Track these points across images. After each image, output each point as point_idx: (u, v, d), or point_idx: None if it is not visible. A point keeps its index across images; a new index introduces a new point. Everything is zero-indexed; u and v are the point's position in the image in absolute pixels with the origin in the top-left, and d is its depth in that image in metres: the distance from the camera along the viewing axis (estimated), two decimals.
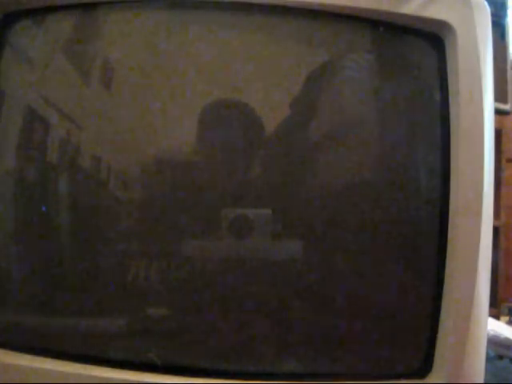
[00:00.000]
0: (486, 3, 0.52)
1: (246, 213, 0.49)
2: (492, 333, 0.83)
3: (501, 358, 0.80)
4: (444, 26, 0.50)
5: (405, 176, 0.52)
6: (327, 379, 0.50)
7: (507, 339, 0.84)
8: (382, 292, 0.51)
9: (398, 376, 0.50)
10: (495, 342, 0.83)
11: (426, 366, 0.50)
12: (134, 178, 0.52)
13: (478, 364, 0.49)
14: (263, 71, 0.52)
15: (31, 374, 0.49)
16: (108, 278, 0.51)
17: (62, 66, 0.53)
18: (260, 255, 0.50)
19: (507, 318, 1.64)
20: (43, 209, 0.52)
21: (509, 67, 0.90)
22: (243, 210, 0.49)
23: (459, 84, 0.50)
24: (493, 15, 0.52)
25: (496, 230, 1.96)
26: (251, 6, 0.51)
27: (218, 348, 0.50)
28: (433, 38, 0.51)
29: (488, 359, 0.53)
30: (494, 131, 0.51)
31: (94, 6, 0.52)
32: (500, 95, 0.87)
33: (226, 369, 0.50)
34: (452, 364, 0.49)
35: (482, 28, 0.51)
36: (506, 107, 0.89)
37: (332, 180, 0.52)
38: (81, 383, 0.48)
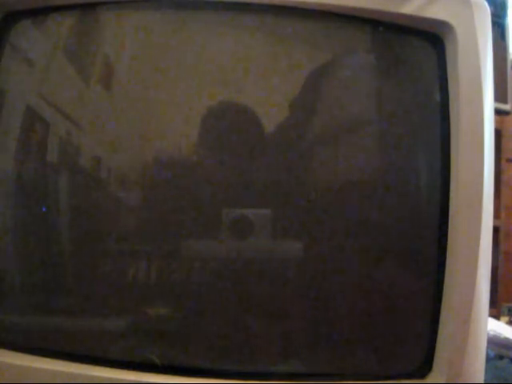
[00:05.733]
0: (485, 3, 0.52)
1: (246, 213, 0.49)
2: (492, 333, 0.83)
3: (501, 358, 0.80)
4: (444, 25, 0.50)
5: (405, 176, 0.52)
6: (327, 379, 0.50)
7: (507, 339, 0.84)
8: (382, 292, 0.51)
9: (398, 376, 0.50)
10: (495, 342, 0.83)
11: (425, 366, 0.50)
12: (134, 178, 0.52)
13: (478, 364, 0.49)
14: (263, 71, 0.52)
15: (31, 374, 0.49)
16: (108, 278, 0.51)
17: (62, 66, 0.53)
18: (260, 255, 0.50)
19: (507, 318, 1.64)
20: (43, 209, 0.52)
21: (509, 67, 0.90)
22: (243, 211, 0.49)
23: (459, 84, 0.50)
24: (493, 15, 0.52)
25: (496, 230, 1.96)
26: (251, 6, 0.51)
27: (218, 348, 0.50)
28: (433, 38, 0.51)
29: (488, 359, 0.53)
30: (494, 131, 0.51)
31: (94, 6, 0.52)
32: (500, 95, 0.87)
33: (226, 369, 0.50)
34: (452, 364, 0.49)
35: (482, 28, 0.51)
36: (506, 107, 0.89)
37: (332, 180, 0.52)
38: (81, 383, 0.48)
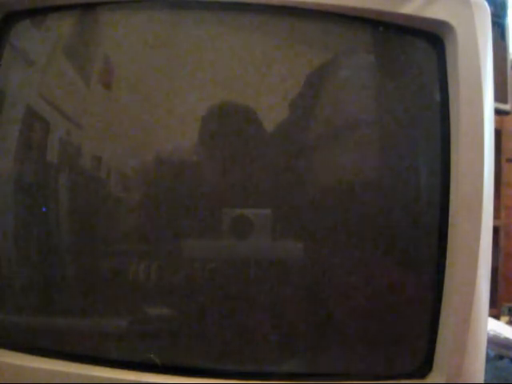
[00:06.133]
0: (485, 3, 0.51)
1: (247, 213, 0.49)
2: (492, 333, 0.83)
3: (501, 357, 0.80)
4: (444, 25, 0.50)
5: (405, 176, 0.52)
6: (327, 379, 0.50)
7: (507, 339, 0.84)
8: (382, 292, 0.51)
9: (398, 376, 0.50)
10: (495, 342, 0.83)
11: (425, 366, 0.50)
12: (134, 178, 0.52)
13: (478, 364, 0.49)
14: (263, 72, 0.52)
15: (31, 374, 0.49)
16: (108, 278, 0.51)
17: (62, 66, 0.53)
18: (260, 255, 0.50)
19: (507, 318, 1.64)
20: (43, 209, 0.52)
21: (509, 67, 0.90)
22: (243, 210, 0.49)
23: (459, 84, 0.50)
24: (493, 15, 0.52)
25: (496, 230, 1.96)
26: (251, 6, 0.51)
27: (218, 348, 0.50)
28: (433, 38, 0.51)
29: (488, 359, 0.53)
30: (494, 131, 0.51)
31: (94, 6, 0.52)
32: (500, 95, 0.87)
33: (226, 369, 0.50)
34: (452, 364, 0.49)
35: (482, 28, 0.51)
36: (506, 107, 0.89)
37: (332, 180, 0.52)
38: (81, 383, 0.48)
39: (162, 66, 0.52)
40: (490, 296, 0.50)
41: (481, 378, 0.50)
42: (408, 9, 0.50)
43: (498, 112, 0.78)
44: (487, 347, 0.50)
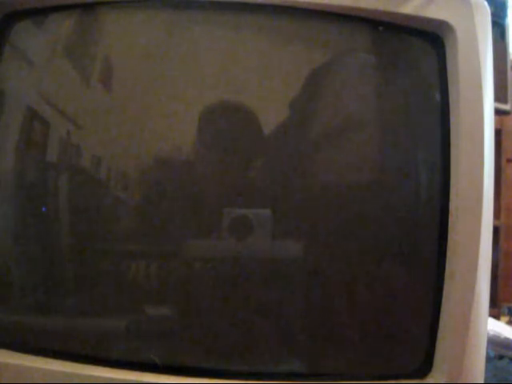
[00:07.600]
0: (485, 3, 0.52)
1: (246, 213, 0.49)
2: (492, 333, 0.83)
3: (501, 357, 0.80)
4: (444, 25, 0.50)
5: (405, 176, 0.52)
6: (327, 379, 0.50)
7: (507, 339, 0.84)
8: (382, 292, 0.51)
9: (398, 376, 0.50)
10: (495, 342, 0.83)
11: (425, 366, 0.50)
12: (134, 178, 0.52)
13: (478, 364, 0.49)
14: (263, 71, 0.52)
15: (31, 374, 0.49)
16: (108, 278, 0.51)
17: (62, 65, 0.53)
18: (260, 255, 0.50)
19: (507, 318, 1.64)
20: (43, 209, 0.52)
21: (509, 67, 0.90)
22: (243, 210, 0.49)
23: (459, 84, 0.50)
24: (493, 15, 0.52)
25: (496, 230, 1.96)
26: (251, 6, 0.51)
27: (218, 348, 0.50)
28: (433, 38, 0.51)
29: (488, 359, 0.53)
30: (494, 131, 0.51)
31: (94, 6, 0.52)
32: (500, 95, 0.87)
33: (226, 369, 0.50)
34: (452, 364, 0.49)
35: (482, 28, 0.51)
36: (506, 107, 0.89)
37: (332, 180, 0.52)
38: (81, 383, 0.48)
39: (161, 66, 0.52)
40: (490, 296, 0.50)
41: (481, 378, 0.50)
42: (408, 9, 0.50)
43: (497, 112, 0.78)
44: (487, 347, 0.50)
